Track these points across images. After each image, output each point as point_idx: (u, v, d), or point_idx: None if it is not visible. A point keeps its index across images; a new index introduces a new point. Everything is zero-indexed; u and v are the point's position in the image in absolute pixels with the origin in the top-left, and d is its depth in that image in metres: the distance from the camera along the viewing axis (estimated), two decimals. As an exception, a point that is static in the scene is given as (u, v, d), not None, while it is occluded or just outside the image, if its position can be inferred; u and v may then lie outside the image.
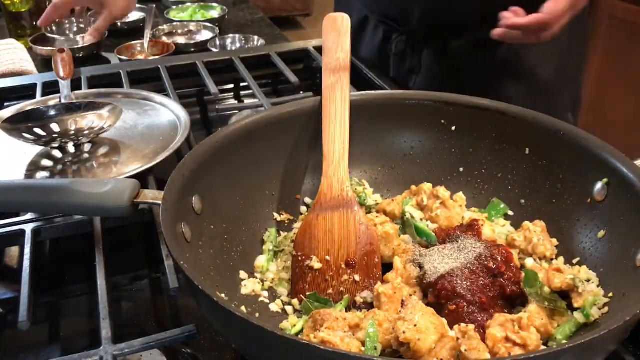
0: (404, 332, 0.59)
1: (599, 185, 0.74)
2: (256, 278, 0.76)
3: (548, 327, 0.65)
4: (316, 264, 0.74)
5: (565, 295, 0.69)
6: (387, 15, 1.31)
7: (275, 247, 0.80)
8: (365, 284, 0.73)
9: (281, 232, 0.82)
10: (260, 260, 0.78)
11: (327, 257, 0.75)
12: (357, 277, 0.73)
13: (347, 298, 0.72)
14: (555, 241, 0.77)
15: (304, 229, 0.77)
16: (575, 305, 0.67)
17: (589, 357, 0.54)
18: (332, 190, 0.79)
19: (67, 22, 1.80)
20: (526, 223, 0.78)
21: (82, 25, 1.82)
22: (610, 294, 0.67)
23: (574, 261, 0.75)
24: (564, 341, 0.64)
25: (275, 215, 0.84)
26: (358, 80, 1.31)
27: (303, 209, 0.86)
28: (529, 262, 0.74)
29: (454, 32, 1.25)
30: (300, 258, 0.76)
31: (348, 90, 0.86)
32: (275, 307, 0.73)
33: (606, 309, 0.66)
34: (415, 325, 0.60)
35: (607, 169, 0.73)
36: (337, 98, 0.85)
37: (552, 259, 0.76)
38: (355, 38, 1.24)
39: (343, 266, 0.74)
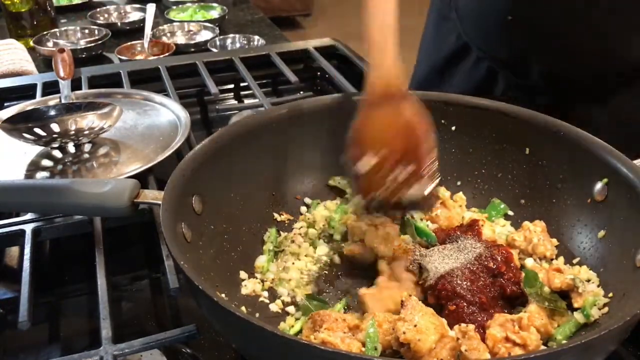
0: (404, 333, 0.59)
1: (599, 185, 0.74)
2: (256, 278, 0.76)
3: (548, 327, 0.65)
4: (366, 164, 0.70)
5: (565, 295, 0.69)
6: (505, 64, 1.11)
7: (276, 247, 0.79)
8: (418, 177, 0.70)
9: (281, 232, 0.82)
10: (261, 260, 0.78)
11: (380, 154, 0.70)
12: (409, 168, 0.69)
13: (346, 299, 0.72)
14: (555, 241, 0.77)
15: (356, 127, 0.73)
16: (575, 305, 0.67)
17: (589, 357, 0.54)
18: (381, 81, 0.72)
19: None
20: (526, 223, 0.78)
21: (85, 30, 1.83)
22: (610, 294, 0.67)
23: (574, 261, 0.75)
24: (564, 341, 0.64)
25: (275, 215, 0.84)
26: (358, 80, 1.31)
27: (303, 209, 0.86)
28: (529, 262, 0.74)
29: (574, 87, 1.07)
30: (354, 156, 0.72)
31: None
32: (275, 307, 0.73)
33: (606, 309, 0.66)
34: (415, 326, 0.60)
35: (607, 169, 0.73)
36: None
37: (552, 259, 0.76)
38: (446, 66, 1.19)
39: (397, 161, 0.70)
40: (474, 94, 0.94)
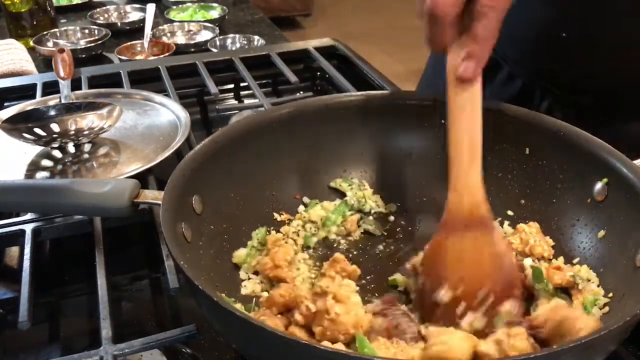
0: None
1: (599, 185, 0.74)
2: (257, 276, 0.76)
3: None
4: (445, 295, 0.63)
5: (565, 293, 0.70)
6: (551, 80, 1.01)
7: (260, 243, 0.78)
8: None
9: (272, 232, 0.81)
10: (240, 252, 0.76)
11: (458, 288, 0.62)
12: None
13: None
14: (550, 241, 0.77)
15: (432, 253, 0.67)
16: (575, 302, 0.68)
17: (589, 357, 0.54)
18: (462, 206, 0.65)
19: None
20: (520, 225, 0.78)
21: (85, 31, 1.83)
22: (610, 294, 0.67)
23: (574, 261, 0.75)
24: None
25: (276, 215, 0.84)
26: (358, 80, 1.31)
27: (301, 208, 0.86)
28: (528, 262, 0.74)
29: (626, 104, 1.00)
30: (428, 286, 0.65)
31: (480, 77, 0.68)
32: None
33: (606, 308, 0.66)
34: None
35: (607, 169, 0.73)
36: (466, 87, 0.68)
37: (550, 259, 0.76)
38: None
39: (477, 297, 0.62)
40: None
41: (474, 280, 0.63)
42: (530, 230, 0.77)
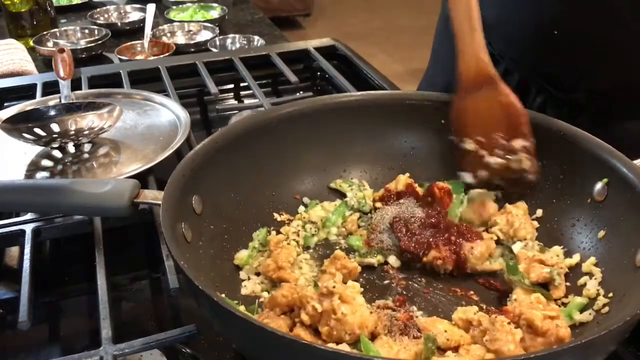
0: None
1: (599, 185, 0.74)
2: (257, 276, 0.76)
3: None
4: (469, 145, 0.77)
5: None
6: (546, 78, 1.04)
7: (262, 244, 0.78)
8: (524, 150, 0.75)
9: (272, 232, 0.81)
10: (242, 254, 0.77)
11: (480, 138, 0.77)
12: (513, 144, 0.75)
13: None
14: (535, 223, 0.79)
15: (455, 114, 0.80)
16: (555, 297, 0.69)
17: (589, 357, 0.54)
18: (471, 71, 0.78)
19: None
20: (508, 206, 0.80)
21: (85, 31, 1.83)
22: (610, 294, 0.67)
23: (574, 256, 0.75)
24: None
25: (275, 215, 0.84)
26: (358, 80, 1.31)
27: (301, 208, 0.86)
28: (517, 247, 0.75)
29: (620, 101, 1.01)
30: (455, 141, 0.79)
31: None
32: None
33: (606, 308, 0.66)
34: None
35: (607, 169, 0.73)
36: None
37: (532, 240, 0.77)
38: None
39: (498, 142, 0.75)
40: None
41: (490, 126, 0.75)
42: (517, 212, 0.78)
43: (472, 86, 0.77)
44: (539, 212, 0.81)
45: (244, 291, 0.73)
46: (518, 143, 0.75)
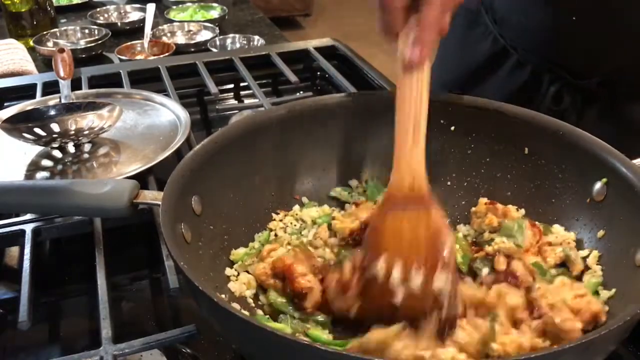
0: None
1: (598, 185, 0.74)
2: (246, 274, 0.75)
3: None
4: (382, 268, 0.64)
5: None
6: (563, 66, 1.03)
7: (262, 245, 0.77)
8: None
9: (277, 234, 0.80)
10: (239, 251, 0.76)
11: (394, 260, 0.64)
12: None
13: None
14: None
15: (372, 228, 0.69)
16: (575, 272, 0.71)
17: (589, 357, 0.54)
18: (403, 185, 0.68)
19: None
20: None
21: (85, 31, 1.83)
22: (610, 294, 0.67)
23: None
24: None
25: (275, 216, 0.84)
26: (358, 80, 1.31)
27: (296, 207, 0.85)
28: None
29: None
30: (365, 261, 0.66)
31: (427, 63, 0.71)
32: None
33: (606, 307, 0.66)
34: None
35: (606, 169, 0.73)
36: (414, 72, 0.70)
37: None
38: (479, 74, 1.13)
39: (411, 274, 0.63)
40: (514, 98, 0.88)
41: (409, 252, 0.64)
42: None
43: (401, 203, 0.67)
44: (538, 212, 0.81)
45: (231, 287, 0.72)
46: (437, 282, 0.63)
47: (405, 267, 0.63)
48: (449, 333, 0.61)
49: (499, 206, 0.80)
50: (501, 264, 0.71)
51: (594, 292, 0.67)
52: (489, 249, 0.75)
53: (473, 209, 0.82)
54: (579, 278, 0.72)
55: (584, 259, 0.73)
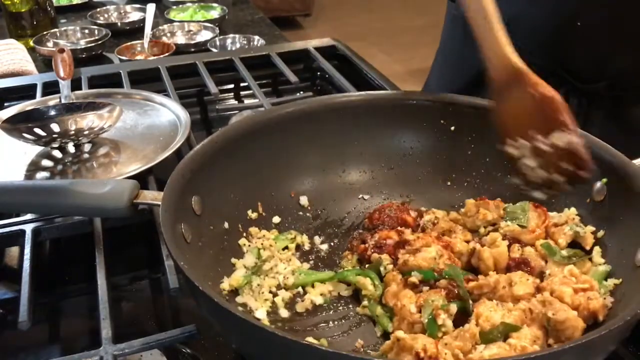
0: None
1: (598, 185, 0.74)
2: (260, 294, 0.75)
3: None
4: (514, 151, 0.73)
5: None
6: (567, 70, 1.04)
7: (258, 262, 0.75)
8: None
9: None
10: (237, 275, 0.72)
11: (531, 136, 0.71)
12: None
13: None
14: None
15: (495, 120, 0.75)
16: (587, 247, 0.72)
17: (589, 357, 0.54)
18: (498, 69, 0.74)
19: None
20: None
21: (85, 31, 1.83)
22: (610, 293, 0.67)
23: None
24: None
25: (274, 216, 0.84)
26: (358, 80, 1.31)
27: (276, 219, 0.84)
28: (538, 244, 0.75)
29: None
30: (504, 149, 0.75)
31: None
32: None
33: (610, 302, 0.66)
34: None
35: (606, 169, 0.73)
36: None
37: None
38: (483, 78, 1.15)
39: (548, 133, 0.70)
40: None
41: (528, 124, 0.71)
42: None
43: (504, 87, 0.74)
44: (539, 212, 0.81)
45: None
46: (559, 138, 0.69)
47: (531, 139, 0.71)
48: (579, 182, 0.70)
49: (489, 201, 0.80)
50: (515, 252, 0.73)
51: (601, 281, 0.67)
52: (495, 235, 0.75)
53: (462, 210, 0.82)
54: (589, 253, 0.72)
55: (594, 233, 0.73)
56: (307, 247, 0.81)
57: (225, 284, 0.71)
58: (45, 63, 1.63)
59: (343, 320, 0.70)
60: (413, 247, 0.73)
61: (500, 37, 0.75)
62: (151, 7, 1.83)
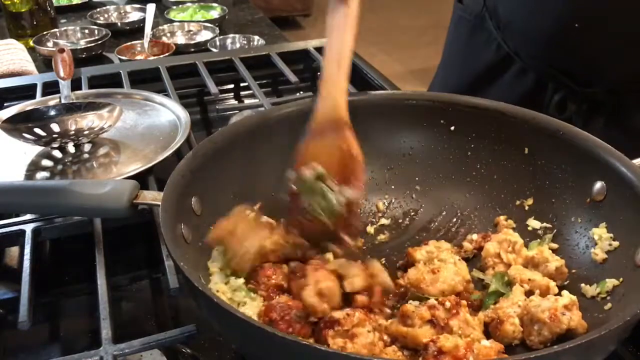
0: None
1: (598, 185, 0.74)
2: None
3: None
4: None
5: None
6: (566, 73, 1.03)
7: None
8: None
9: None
10: (216, 281, 0.69)
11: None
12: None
13: None
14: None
15: (301, 152, 0.76)
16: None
17: (589, 357, 0.54)
18: (326, 114, 0.76)
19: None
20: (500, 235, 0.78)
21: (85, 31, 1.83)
22: (610, 294, 0.67)
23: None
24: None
25: (274, 216, 0.84)
26: (358, 80, 1.31)
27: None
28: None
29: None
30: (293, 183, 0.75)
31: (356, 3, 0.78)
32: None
33: (608, 305, 0.66)
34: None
35: (606, 169, 0.73)
36: (343, 6, 0.77)
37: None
38: (483, 80, 1.14)
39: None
40: (518, 106, 0.85)
41: (332, 167, 0.73)
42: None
43: (324, 128, 0.75)
44: (538, 212, 0.81)
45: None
46: (347, 192, 0.72)
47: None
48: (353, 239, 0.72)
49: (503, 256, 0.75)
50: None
51: (603, 287, 0.67)
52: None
53: (483, 254, 0.77)
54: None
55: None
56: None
57: None
58: (45, 63, 1.63)
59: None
60: (344, 328, 0.61)
61: (345, 86, 0.77)
62: (151, 7, 1.83)
